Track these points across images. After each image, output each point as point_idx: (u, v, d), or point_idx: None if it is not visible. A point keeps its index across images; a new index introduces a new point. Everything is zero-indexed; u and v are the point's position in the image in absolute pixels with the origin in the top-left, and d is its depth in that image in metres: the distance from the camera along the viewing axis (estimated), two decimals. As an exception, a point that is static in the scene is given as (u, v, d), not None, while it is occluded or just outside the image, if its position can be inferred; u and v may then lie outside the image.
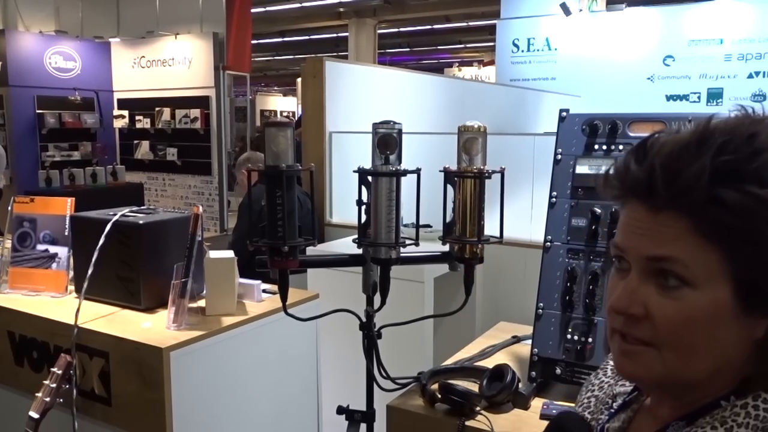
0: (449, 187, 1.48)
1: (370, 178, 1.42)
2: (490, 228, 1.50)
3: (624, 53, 8.36)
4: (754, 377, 0.69)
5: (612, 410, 0.83)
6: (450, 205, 1.49)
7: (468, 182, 1.45)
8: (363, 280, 1.49)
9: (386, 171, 1.40)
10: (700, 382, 0.69)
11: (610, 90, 8.19)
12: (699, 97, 7.99)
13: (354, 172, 1.43)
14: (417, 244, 1.47)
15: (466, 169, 1.45)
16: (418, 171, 1.44)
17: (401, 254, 1.46)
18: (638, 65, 8.29)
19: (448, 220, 1.50)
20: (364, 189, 1.43)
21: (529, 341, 1.59)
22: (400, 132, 1.41)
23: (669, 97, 8.15)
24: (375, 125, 1.40)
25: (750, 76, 7.77)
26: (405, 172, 1.42)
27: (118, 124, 8.53)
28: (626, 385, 0.85)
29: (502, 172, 1.49)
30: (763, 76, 7.73)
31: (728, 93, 7.77)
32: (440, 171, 1.49)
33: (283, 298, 1.45)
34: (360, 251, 1.48)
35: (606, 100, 7.85)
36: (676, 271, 0.65)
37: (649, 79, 8.28)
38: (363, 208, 1.45)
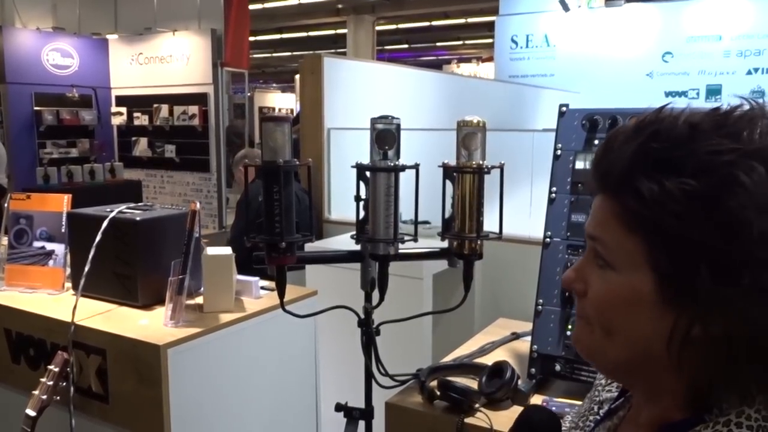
0: (448, 183, 1.47)
1: (368, 173, 1.41)
2: (489, 224, 1.49)
3: (623, 49, 8.35)
4: (720, 387, 0.64)
5: (598, 417, 0.81)
6: (449, 201, 1.48)
7: (467, 178, 1.44)
8: (361, 276, 1.48)
9: (384, 166, 1.39)
10: (631, 369, 0.68)
11: (609, 86, 8.18)
12: (698, 94, 8.00)
13: (352, 167, 1.42)
14: (416, 240, 1.46)
15: (466, 165, 1.44)
16: (416, 166, 1.43)
17: (400, 250, 1.45)
18: (637, 61, 8.29)
19: (447, 216, 1.49)
20: (362, 185, 1.42)
21: (529, 338, 1.58)
22: (398, 127, 1.39)
23: (668, 94, 8.15)
24: (373, 120, 1.39)
25: (749, 73, 7.78)
26: (403, 168, 1.40)
27: (116, 121, 8.51)
28: (612, 390, 0.83)
29: (501, 168, 1.48)
30: (762, 73, 7.73)
31: (727, 89, 7.77)
32: (439, 166, 1.48)
33: (281, 295, 1.44)
34: (358, 247, 1.47)
35: (605, 97, 7.83)
36: (601, 252, 0.67)
37: (648, 75, 8.29)
38: (361, 204, 1.44)
